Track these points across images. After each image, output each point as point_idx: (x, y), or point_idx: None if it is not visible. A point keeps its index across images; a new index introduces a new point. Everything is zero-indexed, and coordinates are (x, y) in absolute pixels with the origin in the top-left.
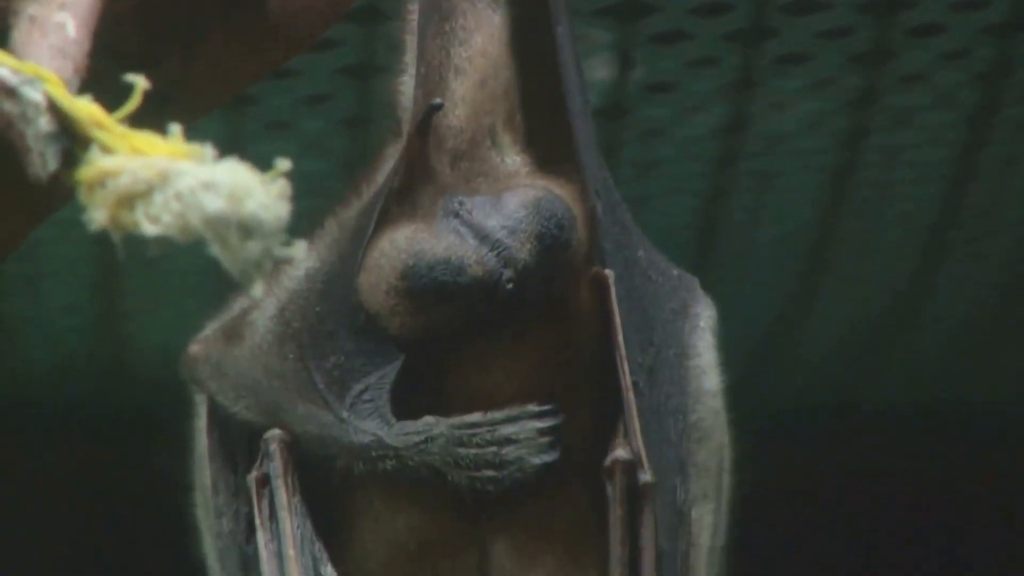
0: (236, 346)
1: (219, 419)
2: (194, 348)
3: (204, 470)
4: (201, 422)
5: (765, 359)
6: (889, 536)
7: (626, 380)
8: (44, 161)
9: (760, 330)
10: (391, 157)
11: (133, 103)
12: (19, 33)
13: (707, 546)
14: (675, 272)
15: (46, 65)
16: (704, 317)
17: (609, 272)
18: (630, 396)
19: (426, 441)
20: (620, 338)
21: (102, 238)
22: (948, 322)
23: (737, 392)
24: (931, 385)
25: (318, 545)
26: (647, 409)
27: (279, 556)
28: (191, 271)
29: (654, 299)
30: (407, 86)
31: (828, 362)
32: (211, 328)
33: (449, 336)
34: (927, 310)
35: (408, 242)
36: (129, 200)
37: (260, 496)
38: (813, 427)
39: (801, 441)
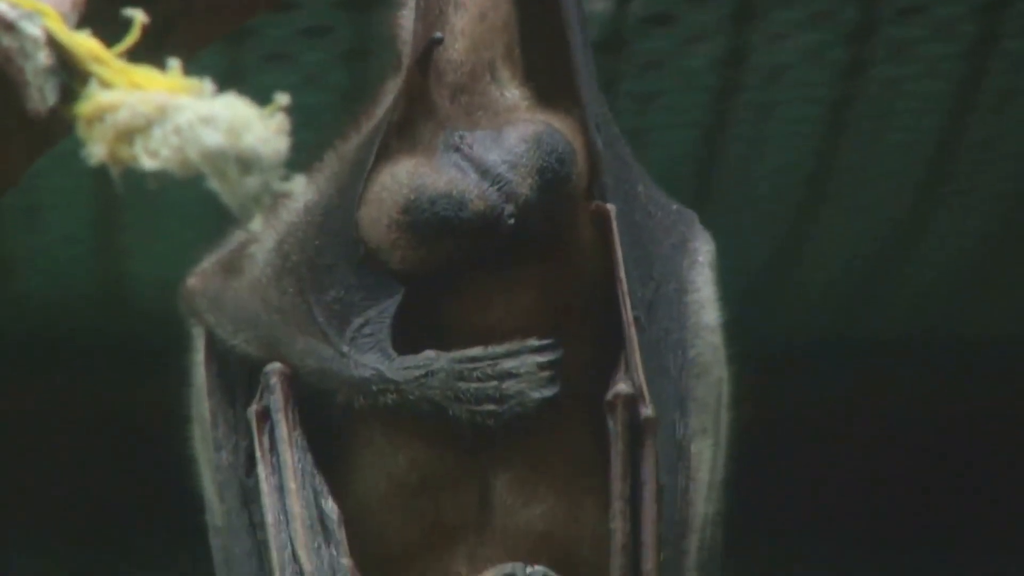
0: (235, 279)
1: (218, 352)
2: (192, 281)
3: (203, 403)
4: (200, 355)
5: (764, 291)
6: (889, 467)
7: (628, 314)
8: (43, 95)
9: (759, 262)
10: (391, 91)
11: (132, 38)
12: None
13: (706, 480)
14: (674, 207)
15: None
16: (703, 252)
17: (611, 206)
18: (632, 330)
19: (427, 375)
20: (622, 272)
21: (101, 171)
22: (946, 253)
23: (736, 326)
24: (930, 316)
25: (319, 478)
26: (646, 344)
27: (280, 489)
28: (190, 203)
29: (653, 234)
30: (407, 19)
31: (827, 294)
32: (209, 261)
33: (450, 270)
34: (926, 241)
35: (409, 176)
36: (128, 134)
37: (260, 429)
38: (812, 359)
39: (800, 374)
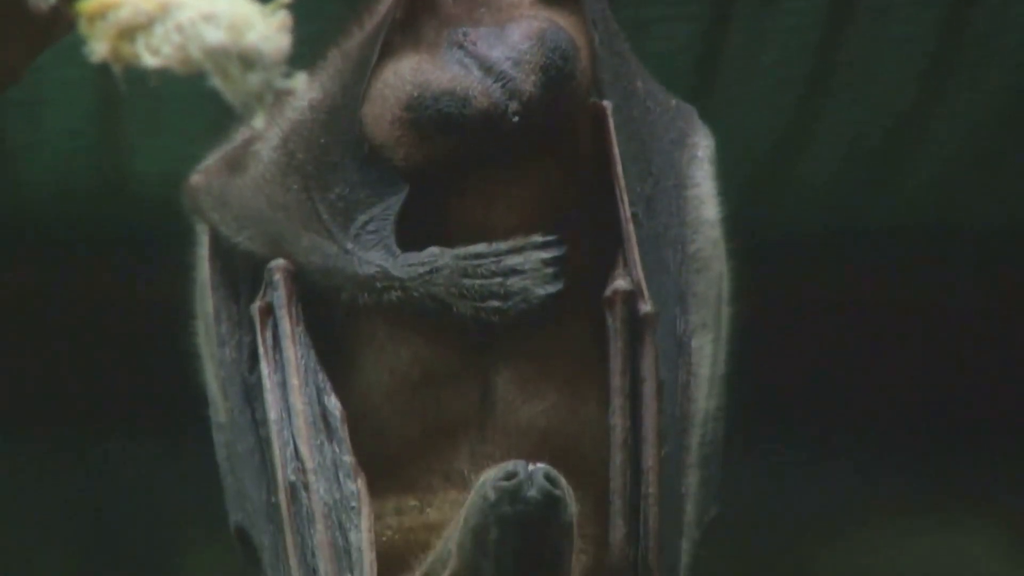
0: (239, 176)
1: (221, 249)
2: (196, 178)
3: (206, 299)
4: (203, 251)
5: (767, 184)
6: (893, 359)
7: (625, 211)
8: None
9: (761, 154)
10: None
11: None
12: None
13: (707, 375)
14: (673, 102)
15: None
16: (702, 147)
17: (607, 103)
18: (630, 227)
19: (431, 272)
20: (619, 169)
21: (103, 65)
22: (949, 144)
23: (739, 218)
24: (933, 207)
25: (322, 375)
26: (646, 240)
27: (282, 386)
28: (193, 98)
29: (652, 129)
30: None
31: (830, 186)
32: (213, 159)
33: (454, 167)
34: (928, 132)
35: (413, 73)
36: (130, 32)
37: (264, 326)
38: (815, 251)
39: (803, 266)
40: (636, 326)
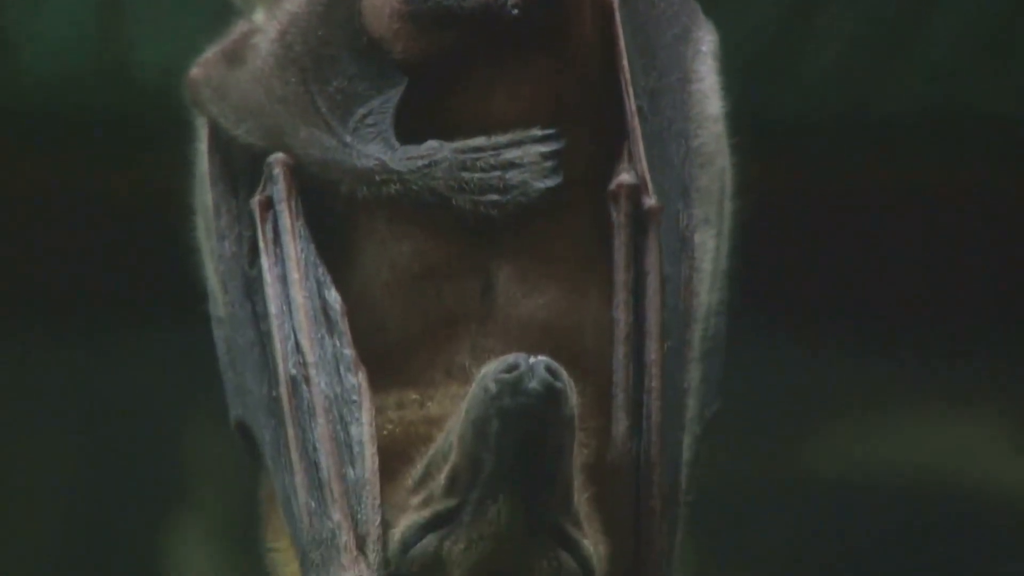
0: (238, 69)
1: (221, 142)
2: (195, 71)
3: (206, 193)
4: (203, 145)
5: (774, 70)
6: (896, 249)
7: (630, 104)
8: None
9: (764, 44)
10: None
11: None
12: None
13: (710, 270)
14: None
15: None
16: (706, 41)
17: None
18: (634, 120)
19: (430, 165)
20: (624, 62)
21: None
22: (959, 26)
23: (746, 105)
24: (942, 90)
25: (322, 269)
26: (650, 134)
27: (283, 279)
28: None
29: (657, 23)
30: None
31: (838, 70)
32: (213, 51)
33: (453, 60)
34: (938, 15)
35: None
36: None
37: (263, 219)
38: (823, 137)
39: (811, 151)
40: (640, 220)
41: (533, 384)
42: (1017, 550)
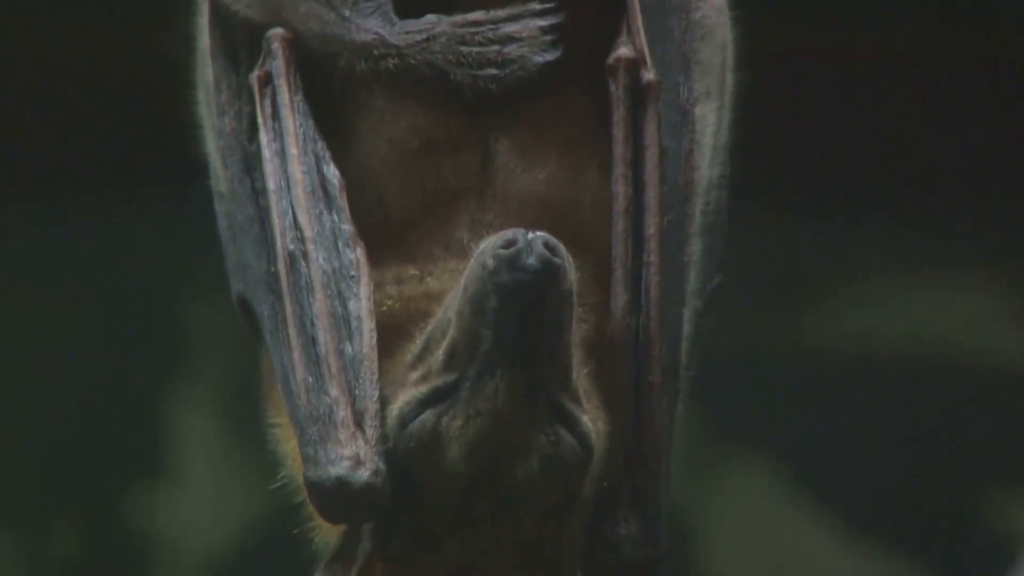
0: None
1: (221, 17)
2: None
3: (206, 68)
4: (203, 19)
5: None
6: (896, 115)
7: None
8: None
9: None
10: None
11: None
12: None
13: (710, 144)
14: None
15: None
16: None
17: None
18: None
19: (428, 39)
20: None
21: None
22: None
23: None
24: None
25: (320, 144)
26: (649, 7)
27: (281, 155)
28: None
29: None
30: None
31: None
32: None
33: None
34: None
35: None
36: None
37: (263, 94)
38: (816, 8)
39: (804, 25)
40: (639, 94)
41: (531, 260)
42: (1017, 420)
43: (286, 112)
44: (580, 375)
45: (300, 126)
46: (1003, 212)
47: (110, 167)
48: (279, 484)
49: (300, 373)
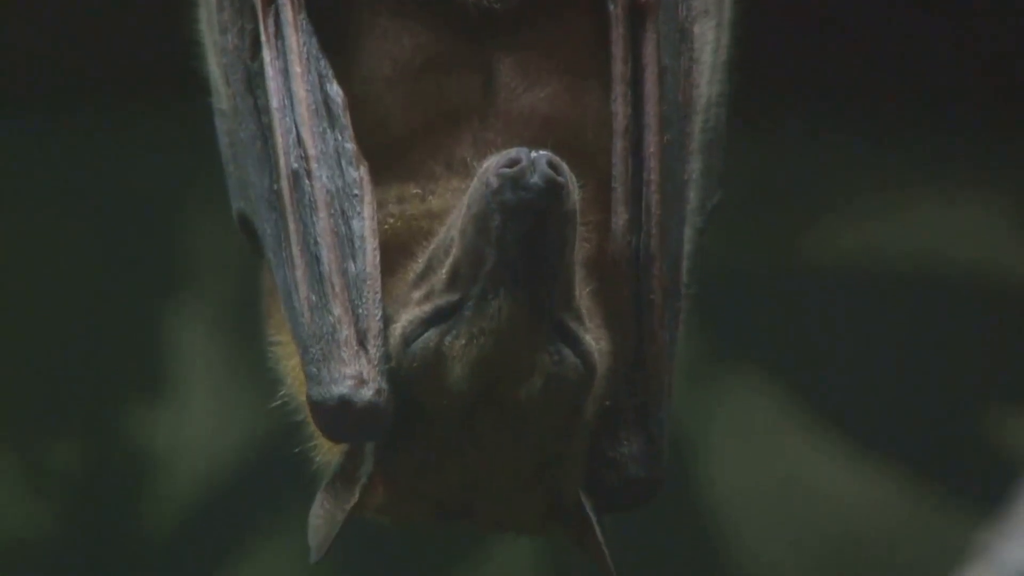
0: None
1: None
2: None
3: None
4: None
5: None
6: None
7: None
8: None
9: None
10: None
11: None
12: None
13: (710, 62)
14: None
15: None
16: None
17: None
18: None
19: None
20: None
21: None
22: None
23: None
24: None
25: (324, 62)
26: None
27: (285, 73)
28: None
29: None
30: None
31: None
32: None
33: None
34: None
35: None
36: None
37: (266, 13)
38: None
39: None
40: (638, 12)
41: (535, 179)
42: (1015, 335)
43: (290, 30)
44: (582, 294)
45: (304, 44)
46: (1001, 126)
47: (111, 82)
48: (279, 403)
49: (303, 292)
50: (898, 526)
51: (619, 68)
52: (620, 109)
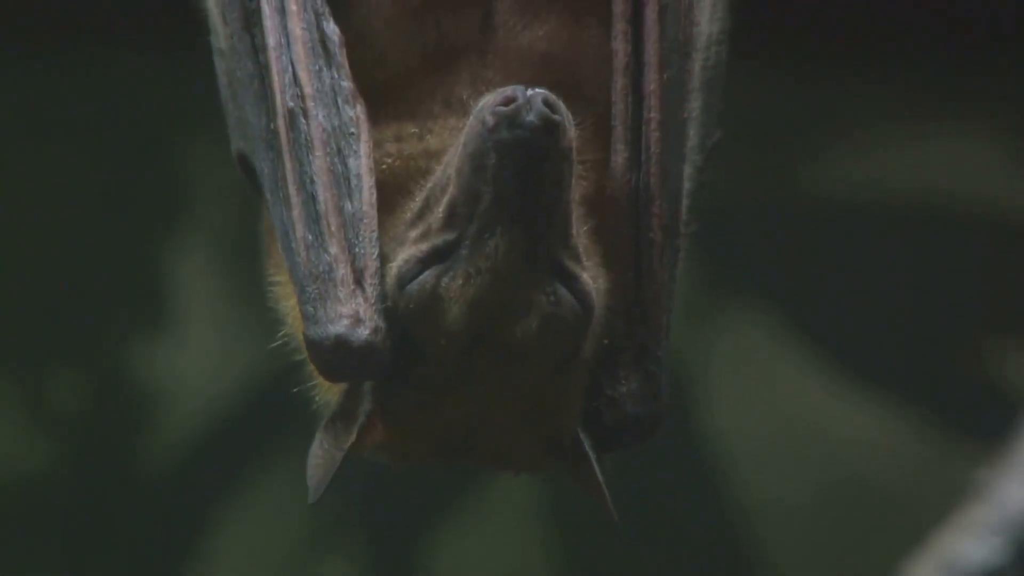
0: None
1: None
2: None
3: None
4: None
5: None
6: None
7: None
8: None
9: None
10: None
11: None
12: None
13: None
14: None
15: None
16: None
17: None
18: None
19: None
20: None
21: None
22: None
23: None
24: None
25: (320, 0)
26: None
27: (281, 11)
28: None
29: None
30: None
31: None
32: None
33: None
34: None
35: None
36: None
37: None
38: None
39: None
40: None
41: (531, 117)
42: (1018, 269)
43: None
44: (580, 232)
45: None
46: (999, 60)
47: (111, 20)
48: (278, 342)
49: (300, 231)
50: (897, 461)
51: (620, 5)
52: (620, 47)
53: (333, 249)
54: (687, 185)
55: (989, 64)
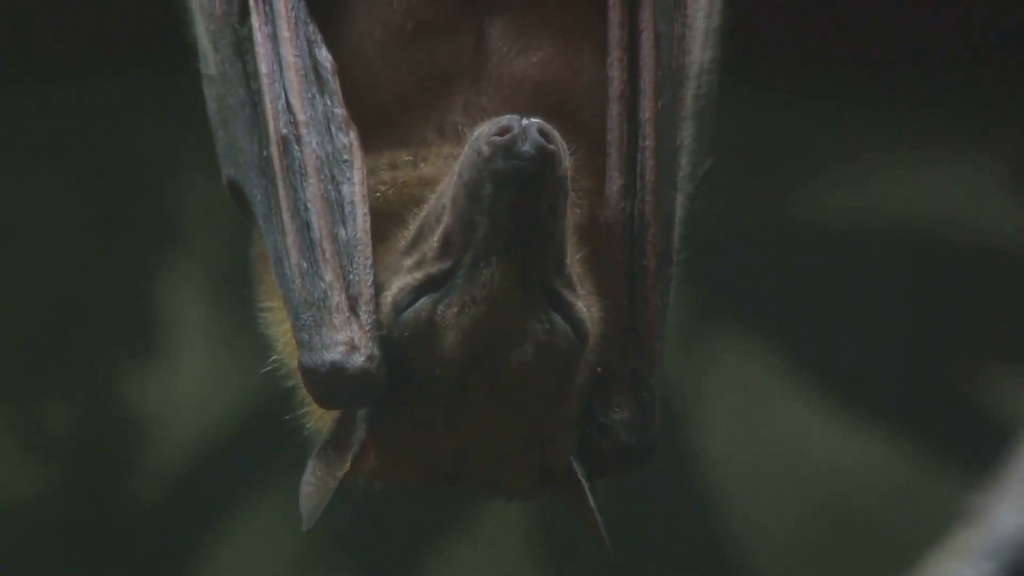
0: None
1: None
2: None
3: None
4: None
5: None
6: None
7: None
8: None
9: None
10: None
11: None
12: None
13: (703, 28)
14: None
15: None
16: None
17: None
18: None
19: None
20: None
21: None
22: None
23: None
24: None
25: (312, 27)
26: None
27: (273, 38)
28: None
29: None
30: None
31: None
32: None
33: None
34: None
35: None
36: None
37: None
38: None
39: None
40: None
41: (526, 147)
42: (1008, 296)
43: None
44: (574, 261)
45: (292, 9)
46: (992, 88)
47: (102, 47)
48: (269, 368)
49: (294, 257)
50: (889, 488)
51: (616, 33)
52: (616, 74)
53: (328, 276)
54: (680, 213)
55: (980, 91)
